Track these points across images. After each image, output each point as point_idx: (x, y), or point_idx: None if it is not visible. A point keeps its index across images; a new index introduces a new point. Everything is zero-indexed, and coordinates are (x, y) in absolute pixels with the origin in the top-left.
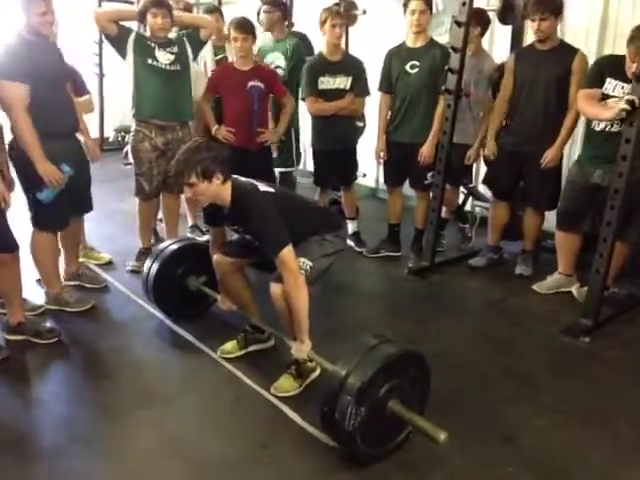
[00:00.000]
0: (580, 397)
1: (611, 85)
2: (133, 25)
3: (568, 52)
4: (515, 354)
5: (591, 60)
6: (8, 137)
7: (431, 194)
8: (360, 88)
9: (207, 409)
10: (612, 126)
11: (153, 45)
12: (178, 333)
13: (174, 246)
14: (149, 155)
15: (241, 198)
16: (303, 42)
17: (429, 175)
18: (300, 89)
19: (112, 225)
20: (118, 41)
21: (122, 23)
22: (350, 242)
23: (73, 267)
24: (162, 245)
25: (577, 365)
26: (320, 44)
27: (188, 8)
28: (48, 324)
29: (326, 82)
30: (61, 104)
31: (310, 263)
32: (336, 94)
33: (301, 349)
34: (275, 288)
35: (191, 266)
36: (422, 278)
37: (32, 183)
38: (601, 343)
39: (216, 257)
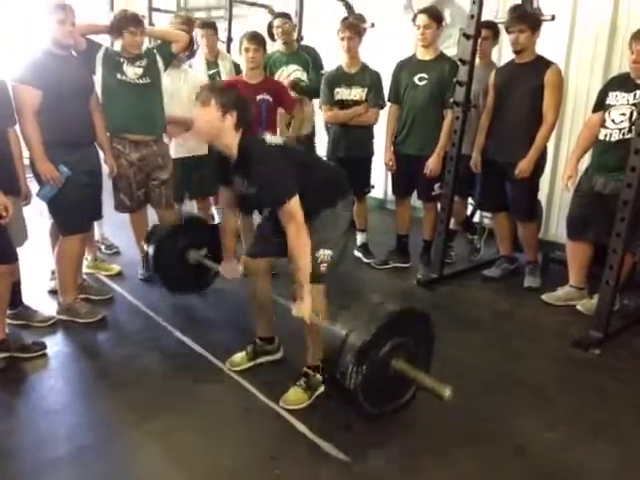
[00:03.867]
0: (591, 410)
1: (612, 97)
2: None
3: (543, 65)
4: (525, 366)
5: (599, 67)
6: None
7: (439, 205)
8: (374, 99)
9: (216, 421)
10: (611, 136)
11: (122, 60)
12: (187, 344)
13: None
14: (126, 171)
15: (247, 148)
16: (311, 55)
17: (436, 186)
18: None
19: (121, 236)
20: (87, 56)
21: (92, 38)
22: (358, 253)
23: (78, 279)
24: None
25: (587, 377)
26: (328, 58)
27: (189, 24)
28: (32, 338)
29: (342, 93)
30: (76, 115)
31: (330, 252)
32: (352, 105)
33: (302, 308)
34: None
35: (191, 240)
36: (431, 289)
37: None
38: (611, 355)
39: (244, 259)
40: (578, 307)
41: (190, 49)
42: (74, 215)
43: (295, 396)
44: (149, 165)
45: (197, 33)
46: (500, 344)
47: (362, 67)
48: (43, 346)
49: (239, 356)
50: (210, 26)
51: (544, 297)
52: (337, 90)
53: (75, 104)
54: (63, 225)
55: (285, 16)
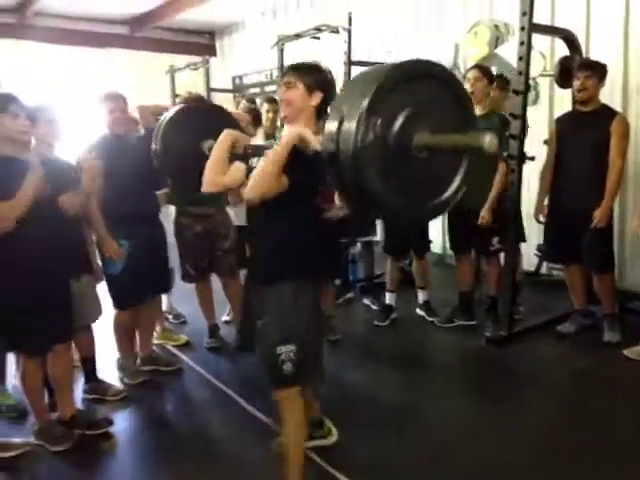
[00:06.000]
0: None
1: None
2: None
3: (609, 114)
4: (608, 428)
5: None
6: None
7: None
8: None
9: None
10: None
11: None
12: (253, 414)
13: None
14: (191, 243)
15: None
16: None
17: (495, 241)
18: None
19: (188, 305)
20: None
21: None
22: (421, 312)
23: (147, 350)
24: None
25: None
26: None
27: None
28: (107, 412)
29: None
30: (134, 191)
31: (293, 347)
32: None
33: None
34: None
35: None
36: (502, 348)
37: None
38: None
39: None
40: (625, 352)
41: (256, 124)
42: (124, 292)
43: None
44: (212, 235)
45: (263, 107)
46: (579, 405)
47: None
48: (110, 422)
49: None
50: (275, 101)
51: (626, 352)
52: None
53: (132, 181)
54: (113, 299)
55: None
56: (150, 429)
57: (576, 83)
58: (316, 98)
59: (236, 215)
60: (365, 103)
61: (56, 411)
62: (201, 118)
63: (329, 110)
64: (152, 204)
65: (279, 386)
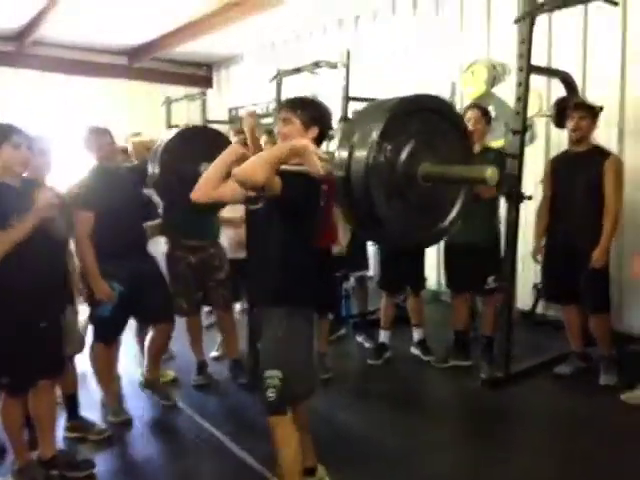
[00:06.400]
0: None
1: None
2: None
3: (601, 155)
4: (610, 476)
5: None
6: None
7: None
8: None
9: None
10: None
11: None
12: (243, 460)
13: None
14: (184, 273)
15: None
16: None
17: (490, 279)
18: None
19: (175, 340)
20: (143, 169)
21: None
22: (416, 351)
23: (154, 374)
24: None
25: None
26: None
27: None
28: (82, 455)
29: None
30: (125, 226)
31: (278, 373)
32: None
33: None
34: None
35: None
36: (498, 390)
37: (92, 301)
38: None
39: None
40: (622, 397)
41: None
42: (104, 326)
43: None
44: (206, 266)
45: (262, 139)
46: (578, 452)
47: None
48: (92, 465)
49: None
50: (273, 134)
51: (623, 398)
52: None
53: (125, 213)
54: (93, 331)
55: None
56: (133, 472)
57: (570, 123)
58: (312, 132)
59: (230, 248)
60: (378, 128)
61: (36, 449)
62: (199, 142)
63: (337, 140)
64: (143, 236)
65: (267, 412)
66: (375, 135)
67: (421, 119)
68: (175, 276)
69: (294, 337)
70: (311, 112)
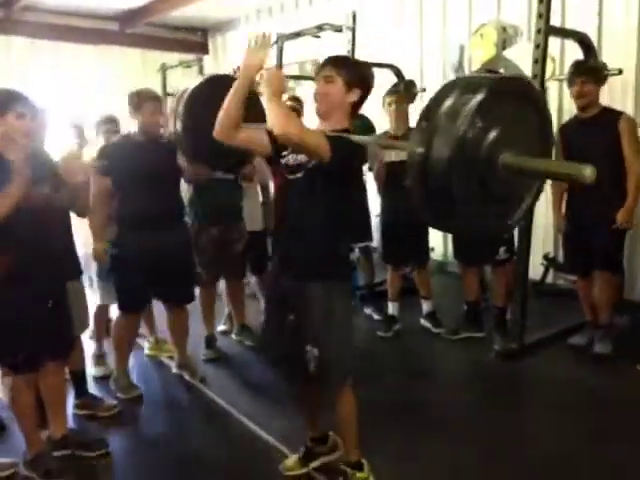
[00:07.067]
0: None
1: None
2: None
3: (613, 115)
4: (630, 448)
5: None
6: None
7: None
8: None
9: None
10: None
11: None
12: (258, 435)
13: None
14: (207, 246)
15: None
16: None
17: (501, 250)
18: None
19: None
20: None
21: None
22: (426, 323)
23: (184, 356)
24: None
25: None
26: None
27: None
28: (98, 428)
29: (388, 155)
30: (154, 197)
31: (316, 351)
32: (399, 168)
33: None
34: None
35: None
36: (512, 362)
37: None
38: None
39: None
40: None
41: None
42: (126, 296)
43: None
44: (228, 239)
45: None
46: (600, 427)
47: (410, 130)
48: (104, 444)
49: (292, 460)
50: (298, 99)
51: None
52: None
53: (151, 186)
54: (117, 302)
55: None
56: (145, 448)
57: (574, 89)
58: (354, 95)
59: (252, 220)
60: (476, 100)
61: (46, 428)
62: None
63: (420, 112)
64: (174, 206)
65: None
66: (473, 104)
67: (514, 103)
68: (200, 250)
69: (346, 314)
70: (357, 72)
